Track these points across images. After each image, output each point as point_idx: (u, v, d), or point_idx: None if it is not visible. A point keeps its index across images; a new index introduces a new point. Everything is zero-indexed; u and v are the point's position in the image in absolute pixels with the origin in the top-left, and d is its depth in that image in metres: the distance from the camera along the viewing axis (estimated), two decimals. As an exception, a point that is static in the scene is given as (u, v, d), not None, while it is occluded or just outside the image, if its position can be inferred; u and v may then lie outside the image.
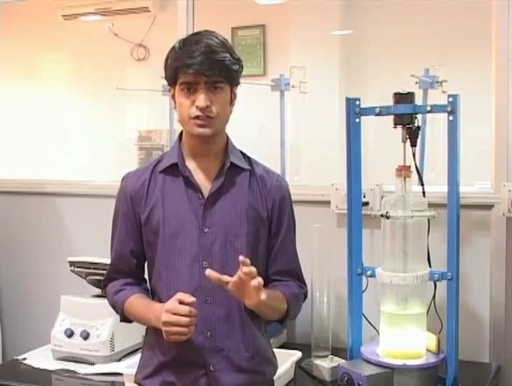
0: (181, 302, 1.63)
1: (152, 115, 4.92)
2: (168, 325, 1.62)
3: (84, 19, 4.81)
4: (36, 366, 2.49)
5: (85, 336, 2.47)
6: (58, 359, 2.52)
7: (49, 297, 3.02)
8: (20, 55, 4.57)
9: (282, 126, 3.67)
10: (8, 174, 3.45)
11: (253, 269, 1.60)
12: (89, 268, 2.56)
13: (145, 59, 4.83)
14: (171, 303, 1.64)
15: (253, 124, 4.22)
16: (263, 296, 1.62)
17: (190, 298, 1.62)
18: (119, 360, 2.48)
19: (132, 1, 4.62)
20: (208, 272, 1.64)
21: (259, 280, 1.61)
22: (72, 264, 2.63)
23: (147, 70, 4.66)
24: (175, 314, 1.62)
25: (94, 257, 2.54)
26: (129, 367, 2.18)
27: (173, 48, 1.74)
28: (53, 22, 4.76)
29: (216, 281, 1.64)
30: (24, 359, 2.56)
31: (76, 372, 2.42)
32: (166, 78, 1.78)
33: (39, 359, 2.54)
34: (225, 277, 1.63)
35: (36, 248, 3.22)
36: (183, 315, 1.61)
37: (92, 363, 2.46)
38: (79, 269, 2.61)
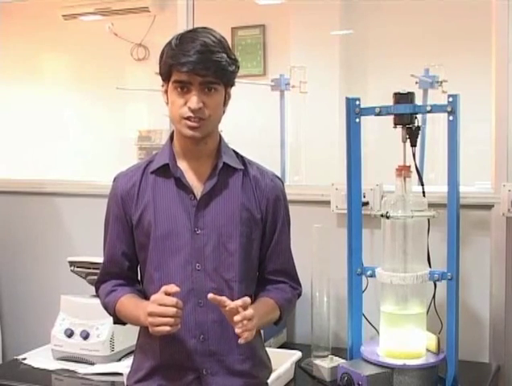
0: (168, 294, 1.60)
1: (152, 115, 4.92)
2: (154, 315, 1.58)
3: (84, 19, 4.82)
4: (36, 366, 2.49)
5: (85, 336, 2.47)
6: (58, 359, 2.52)
7: (49, 297, 3.01)
8: (20, 55, 4.57)
9: (282, 126, 3.68)
10: (8, 174, 3.45)
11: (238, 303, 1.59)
12: (89, 268, 2.56)
13: (145, 59, 4.83)
14: (158, 295, 1.61)
15: (253, 124, 4.22)
16: (242, 339, 1.59)
17: (174, 288, 1.59)
18: (119, 360, 2.48)
19: (132, 1, 4.62)
20: (211, 296, 1.61)
21: (242, 315, 1.58)
22: (72, 264, 2.63)
23: (147, 70, 4.65)
24: (161, 305, 1.58)
25: (94, 257, 2.53)
26: (129, 367, 2.16)
27: (169, 44, 1.69)
28: (53, 22, 4.76)
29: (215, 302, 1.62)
30: (24, 359, 2.55)
31: (75, 372, 2.42)
32: (160, 73, 1.73)
33: (39, 359, 2.54)
34: (224, 302, 1.61)
35: (36, 248, 3.22)
36: (169, 306, 1.58)
37: (92, 363, 2.46)
38: (79, 269, 2.61)
